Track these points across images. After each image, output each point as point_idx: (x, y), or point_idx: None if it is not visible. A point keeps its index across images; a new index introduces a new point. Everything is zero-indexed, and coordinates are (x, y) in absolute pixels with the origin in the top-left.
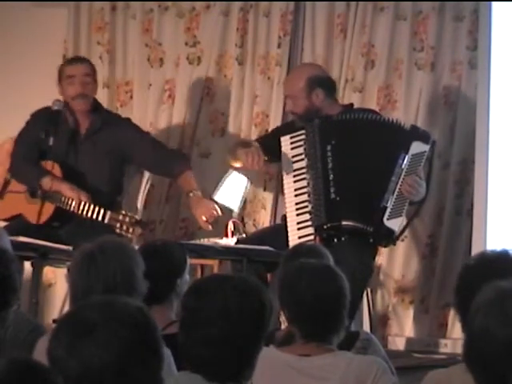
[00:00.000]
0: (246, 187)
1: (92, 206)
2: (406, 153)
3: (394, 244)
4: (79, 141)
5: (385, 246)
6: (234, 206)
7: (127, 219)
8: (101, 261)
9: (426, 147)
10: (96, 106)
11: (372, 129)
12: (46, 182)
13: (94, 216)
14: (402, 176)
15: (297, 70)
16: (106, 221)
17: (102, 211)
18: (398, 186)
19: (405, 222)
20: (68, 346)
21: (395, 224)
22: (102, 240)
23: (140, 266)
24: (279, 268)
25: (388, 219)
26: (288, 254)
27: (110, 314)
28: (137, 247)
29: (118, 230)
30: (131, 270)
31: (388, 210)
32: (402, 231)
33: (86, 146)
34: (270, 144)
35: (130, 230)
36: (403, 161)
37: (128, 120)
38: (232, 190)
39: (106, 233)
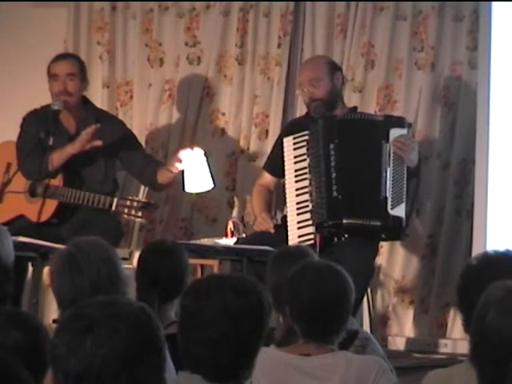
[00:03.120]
0: (207, 159)
1: (97, 196)
2: (387, 141)
3: (406, 235)
4: (72, 140)
5: (398, 239)
6: (208, 185)
7: (135, 203)
8: (81, 258)
9: (403, 131)
10: (85, 104)
11: (364, 127)
12: (55, 158)
13: (101, 205)
14: (391, 163)
15: (314, 57)
16: (113, 207)
17: (108, 199)
18: (390, 175)
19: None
20: (68, 344)
21: (400, 211)
22: (76, 240)
23: (118, 257)
24: (268, 270)
25: (392, 208)
26: (276, 256)
27: (111, 312)
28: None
29: (126, 216)
30: (112, 260)
31: (389, 200)
32: (408, 218)
33: None
34: (277, 164)
35: (139, 213)
36: (387, 149)
37: (122, 122)
38: (196, 173)
39: (106, 230)
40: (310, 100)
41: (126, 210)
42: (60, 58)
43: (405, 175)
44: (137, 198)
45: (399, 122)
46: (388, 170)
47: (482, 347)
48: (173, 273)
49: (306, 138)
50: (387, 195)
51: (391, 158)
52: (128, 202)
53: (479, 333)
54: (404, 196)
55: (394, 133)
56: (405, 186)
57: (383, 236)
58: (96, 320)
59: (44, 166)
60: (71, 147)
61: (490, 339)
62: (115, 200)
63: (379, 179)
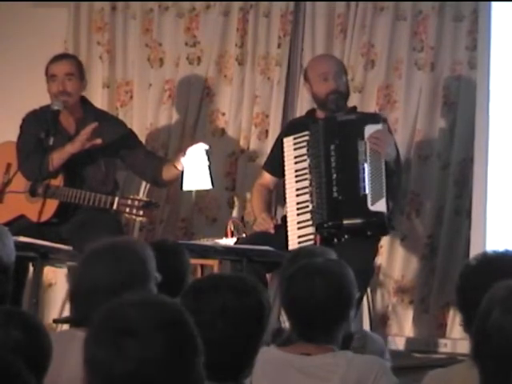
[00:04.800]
0: (207, 154)
1: (98, 195)
2: (363, 139)
3: (393, 228)
4: (72, 140)
5: (385, 234)
6: (206, 184)
7: (136, 202)
8: (108, 259)
9: (378, 126)
10: (84, 104)
11: (350, 127)
12: (55, 158)
13: (102, 204)
14: (368, 160)
15: (329, 54)
16: (114, 207)
17: (109, 198)
18: (368, 171)
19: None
20: (110, 348)
21: (381, 206)
22: (113, 239)
23: (151, 267)
24: (282, 268)
25: (372, 204)
26: (292, 255)
27: (150, 312)
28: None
29: (127, 215)
30: (137, 270)
31: (369, 196)
32: (392, 213)
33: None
34: (276, 163)
35: (141, 212)
36: (363, 146)
37: (122, 121)
38: (195, 169)
39: (107, 230)
40: (330, 91)
41: (127, 210)
42: (58, 58)
43: (383, 170)
44: (138, 197)
45: (374, 118)
46: (366, 166)
47: (484, 347)
48: (174, 273)
49: (307, 138)
50: (367, 192)
51: (368, 154)
52: (129, 201)
53: (482, 332)
54: (384, 191)
55: (369, 129)
56: (384, 180)
57: (369, 233)
58: (136, 321)
59: (44, 166)
60: (71, 147)
61: (492, 339)
62: (116, 199)
63: (358, 177)
